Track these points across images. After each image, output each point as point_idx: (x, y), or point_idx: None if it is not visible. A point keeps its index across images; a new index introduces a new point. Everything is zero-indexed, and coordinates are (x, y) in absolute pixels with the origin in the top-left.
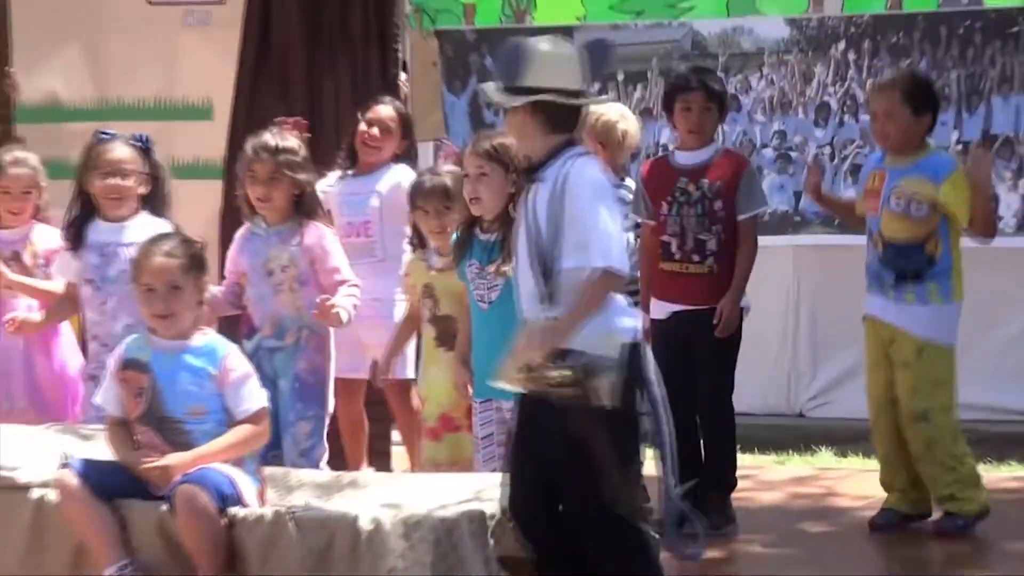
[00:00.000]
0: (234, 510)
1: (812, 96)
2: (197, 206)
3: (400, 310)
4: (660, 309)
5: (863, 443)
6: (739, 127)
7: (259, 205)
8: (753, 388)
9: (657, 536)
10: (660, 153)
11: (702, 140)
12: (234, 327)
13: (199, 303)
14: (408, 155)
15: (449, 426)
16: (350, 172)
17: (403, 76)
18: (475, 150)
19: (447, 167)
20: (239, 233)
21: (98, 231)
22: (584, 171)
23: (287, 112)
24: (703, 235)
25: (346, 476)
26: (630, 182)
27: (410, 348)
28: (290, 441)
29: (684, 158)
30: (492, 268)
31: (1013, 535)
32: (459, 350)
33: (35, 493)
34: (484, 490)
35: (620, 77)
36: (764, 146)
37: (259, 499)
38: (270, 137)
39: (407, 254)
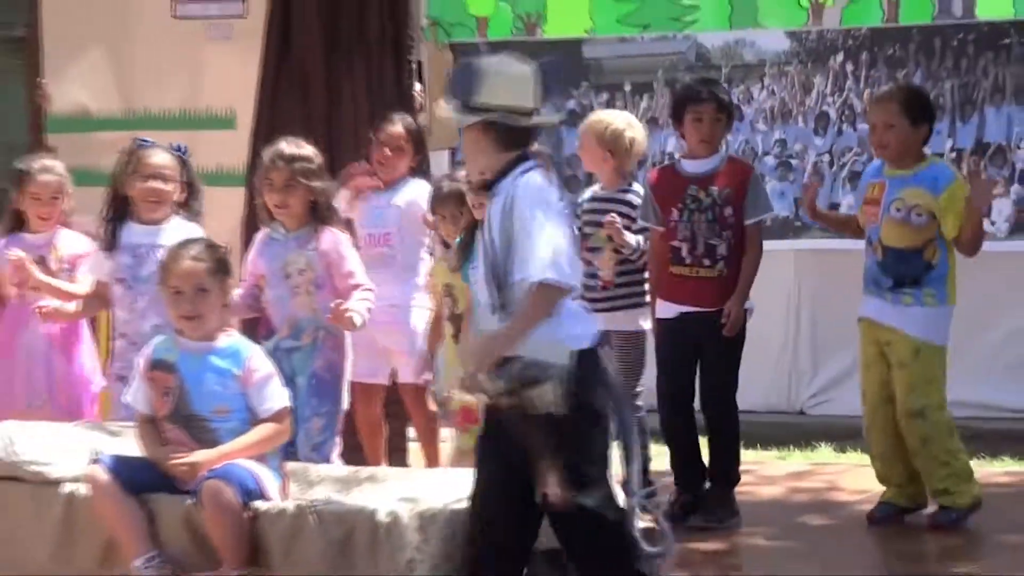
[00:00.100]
0: (257, 504)
1: (812, 106)
2: (220, 212)
3: (415, 316)
4: (668, 309)
5: (861, 439)
6: (741, 136)
7: (276, 211)
8: (756, 386)
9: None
10: (666, 161)
11: (711, 149)
12: (254, 328)
13: (224, 305)
14: (421, 169)
15: (470, 418)
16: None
17: (419, 87)
18: None
19: (463, 172)
20: (258, 238)
21: (132, 233)
22: (529, 186)
23: (306, 121)
24: (714, 240)
25: (364, 471)
26: (638, 187)
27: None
28: (303, 436)
29: (692, 166)
30: None
31: (1005, 528)
32: (461, 349)
33: (66, 488)
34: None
35: (627, 87)
36: (766, 154)
37: (282, 493)
38: (286, 146)
39: (424, 262)
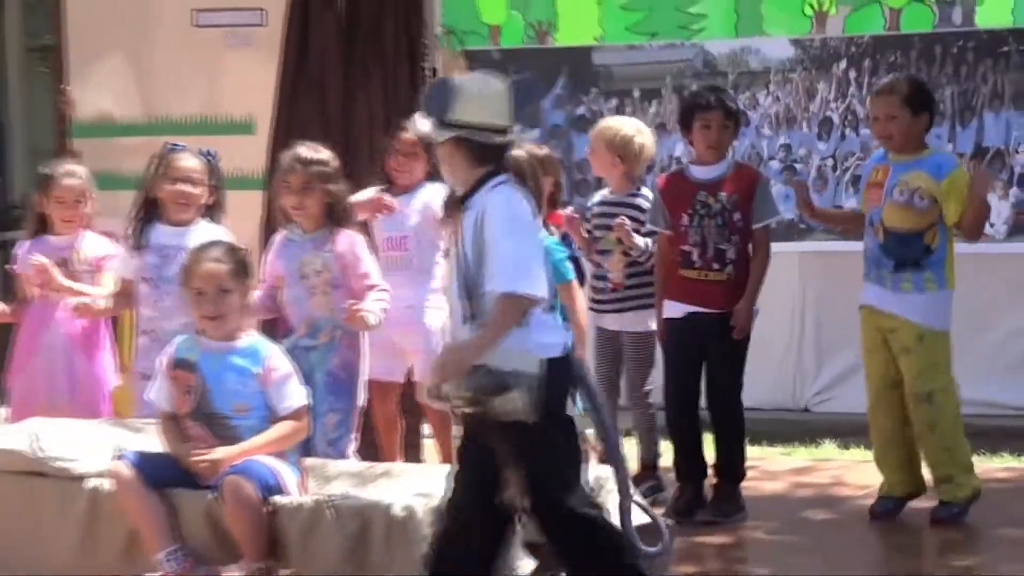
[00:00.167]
0: (276, 498)
1: (815, 111)
2: (239, 215)
3: (430, 316)
4: (676, 309)
5: (864, 436)
6: (747, 141)
7: (294, 213)
8: (761, 385)
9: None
10: (674, 166)
11: (719, 155)
12: (274, 328)
13: (244, 306)
14: (437, 173)
15: None
16: (386, 189)
17: None
18: None
19: None
20: (276, 239)
21: (160, 234)
22: (499, 200)
23: (323, 126)
24: (723, 244)
25: (379, 467)
26: (646, 192)
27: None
28: (320, 431)
29: (701, 172)
30: None
31: (1004, 522)
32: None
33: (90, 483)
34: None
35: (636, 94)
36: (771, 158)
37: (300, 488)
38: (303, 150)
39: (439, 265)
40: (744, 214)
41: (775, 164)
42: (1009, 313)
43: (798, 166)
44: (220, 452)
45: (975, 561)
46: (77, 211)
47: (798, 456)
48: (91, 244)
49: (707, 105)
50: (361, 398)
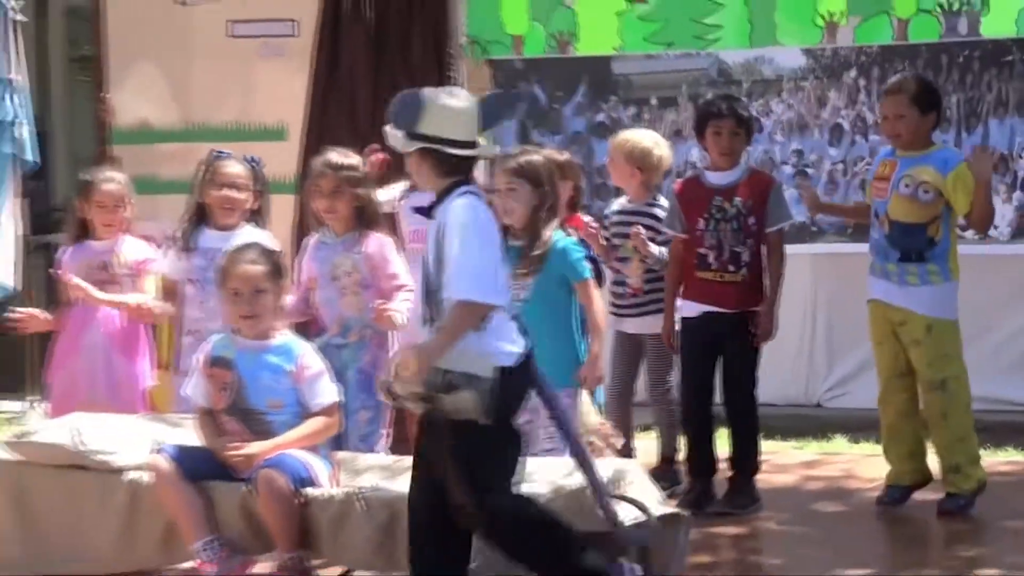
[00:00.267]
0: (309, 491)
1: (827, 118)
2: (272, 219)
3: None
4: (692, 309)
5: (874, 431)
6: (761, 146)
7: (325, 216)
8: (775, 381)
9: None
10: (690, 171)
11: (732, 161)
12: (306, 327)
13: (278, 306)
14: None
15: None
16: (414, 187)
17: None
18: (505, 167)
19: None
20: (309, 242)
21: (207, 238)
22: (460, 211)
23: (353, 133)
24: (738, 247)
25: (408, 460)
26: (663, 200)
27: None
28: (352, 427)
29: (716, 178)
30: (521, 270)
31: (1008, 515)
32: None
33: (130, 476)
34: (533, 472)
35: (654, 101)
36: (784, 163)
37: (331, 481)
38: (334, 155)
39: None
40: (758, 218)
41: (788, 169)
42: (1013, 312)
43: (810, 171)
44: (255, 447)
45: (980, 552)
46: (117, 216)
47: (810, 450)
48: (131, 248)
49: (719, 113)
50: None
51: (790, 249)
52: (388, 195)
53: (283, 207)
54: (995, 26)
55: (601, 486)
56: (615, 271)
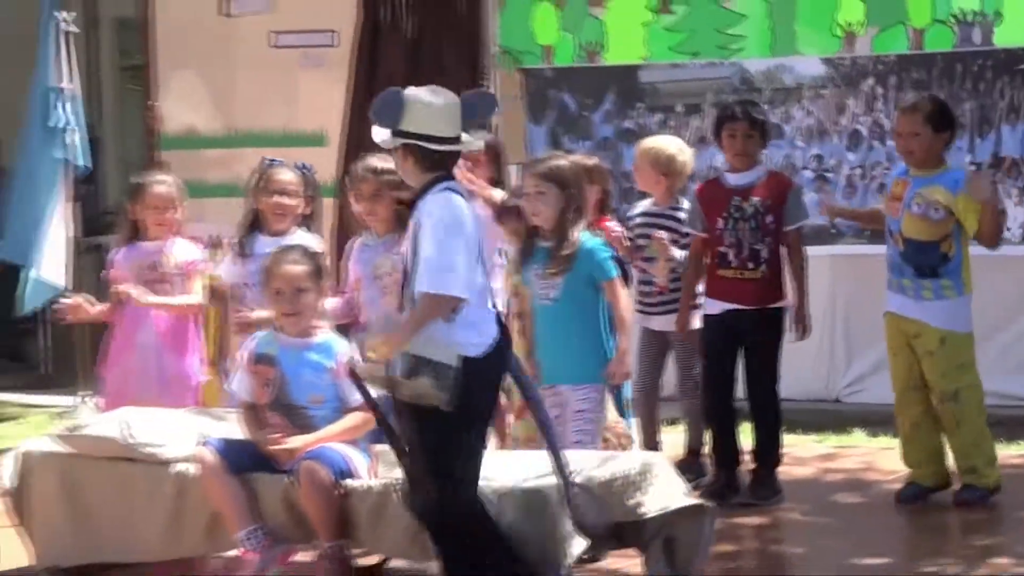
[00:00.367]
0: (348, 482)
1: (845, 125)
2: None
3: None
4: (714, 306)
5: (892, 425)
6: (782, 152)
7: (366, 219)
8: (796, 377)
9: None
10: (712, 175)
11: (747, 162)
12: (347, 327)
13: (320, 304)
14: (500, 180)
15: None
16: None
17: None
18: (533, 172)
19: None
20: (353, 246)
21: (260, 243)
22: (434, 206)
23: None
24: (757, 245)
25: None
26: (685, 204)
27: None
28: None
29: (735, 179)
30: (551, 270)
31: (1021, 505)
32: (524, 345)
33: (177, 468)
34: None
35: (679, 109)
36: (804, 168)
37: (370, 473)
38: (374, 160)
39: (499, 268)
40: (776, 217)
41: (808, 173)
42: (1023, 312)
43: (829, 175)
44: (297, 440)
45: (995, 541)
46: (167, 217)
47: (829, 443)
48: (181, 250)
49: (732, 116)
50: None
51: (811, 250)
52: None
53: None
54: (1008, 36)
55: (569, 479)
56: (641, 271)
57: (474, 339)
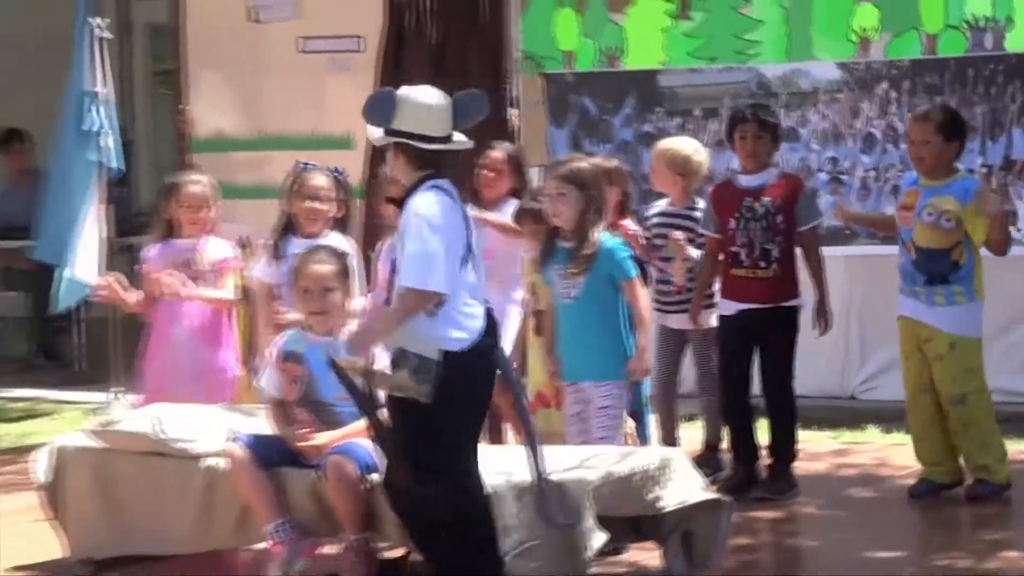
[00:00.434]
0: (374, 476)
1: (860, 128)
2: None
3: (512, 318)
4: (729, 306)
5: (905, 421)
6: (798, 154)
7: (394, 220)
8: (811, 374)
9: (729, 499)
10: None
11: (758, 164)
12: None
13: (346, 303)
14: (521, 190)
15: (542, 402)
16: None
17: (514, 112)
18: (555, 174)
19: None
20: (382, 248)
21: (294, 246)
22: (419, 204)
23: None
24: (768, 244)
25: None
26: (701, 203)
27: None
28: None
29: (747, 180)
30: (572, 269)
31: None
32: (545, 342)
33: (207, 462)
34: (588, 459)
35: (697, 113)
36: (819, 170)
37: None
38: None
39: (521, 275)
40: (786, 217)
41: (823, 176)
42: None
43: (844, 177)
44: (324, 436)
45: (1006, 536)
46: (201, 216)
47: (844, 439)
48: (214, 248)
49: (743, 118)
50: None
51: (827, 251)
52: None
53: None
54: (1019, 41)
55: (542, 476)
56: (659, 270)
57: (454, 333)
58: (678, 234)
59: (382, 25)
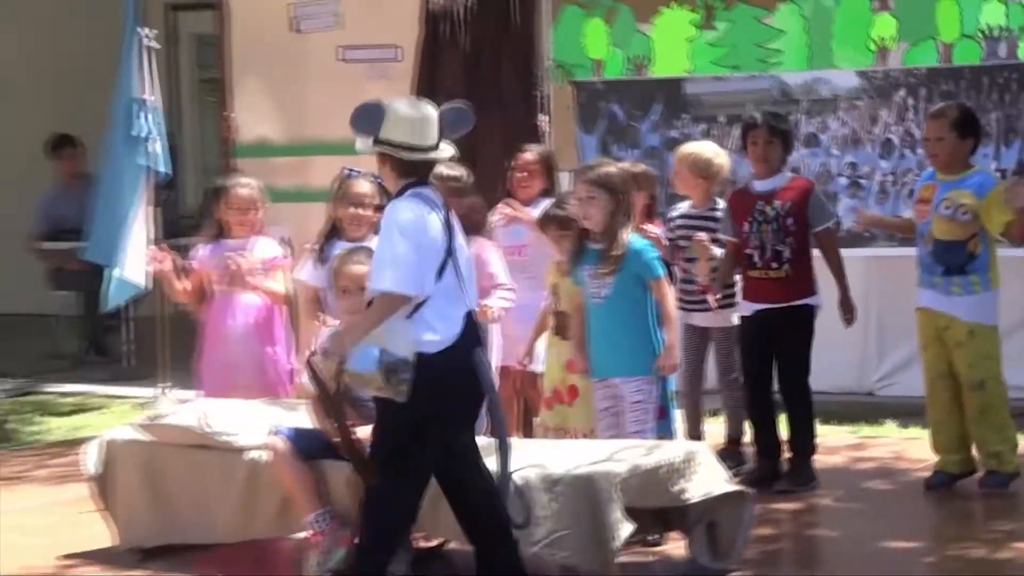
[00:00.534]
0: None
1: (878, 134)
2: None
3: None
4: (747, 307)
5: (921, 417)
6: (819, 159)
7: None
8: (831, 371)
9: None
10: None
11: (769, 169)
12: None
13: None
14: (553, 190)
15: (559, 399)
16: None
17: (544, 118)
18: (584, 178)
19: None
20: None
21: (338, 249)
22: (393, 210)
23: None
24: (779, 246)
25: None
26: (721, 204)
27: (542, 346)
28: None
29: (760, 185)
30: (602, 270)
31: None
32: (576, 340)
33: (250, 455)
34: (616, 452)
35: (722, 119)
36: (839, 175)
37: None
38: (441, 167)
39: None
40: (797, 219)
41: (843, 180)
42: None
43: (863, 182)
44: (361, 432)
45: (1018, 526)
46: (250, 218)
47: (862, 434)
48: (263, 247)
49: (753, 124)
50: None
51: (846, 253)
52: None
53: None
54: None
55: (510, 476)
56: (684, 270)
57: (430, 336)
58: (702, 235)
59: (418, 35)
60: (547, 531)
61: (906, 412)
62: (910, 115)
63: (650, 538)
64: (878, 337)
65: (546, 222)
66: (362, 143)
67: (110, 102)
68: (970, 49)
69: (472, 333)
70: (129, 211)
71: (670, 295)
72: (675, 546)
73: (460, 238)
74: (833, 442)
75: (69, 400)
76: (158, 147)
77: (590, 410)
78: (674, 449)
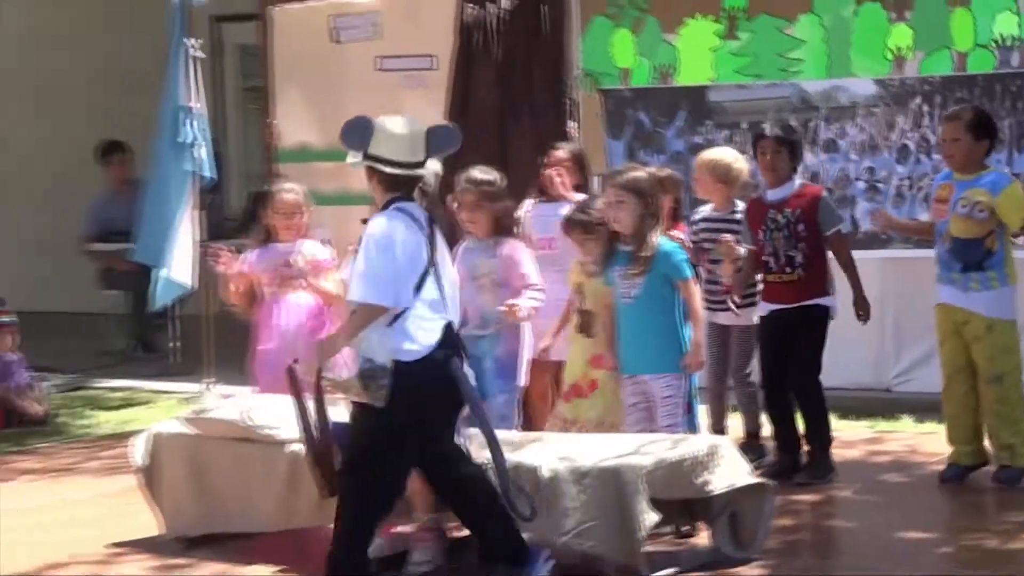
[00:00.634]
0: None
1: (895, 140)
2: None
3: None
4: (763, 309)
5: (936, 412)
6: (838, 164)
7: (467, 225)
8: (849, 368)
9: (773, 483)
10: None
11: (778, 178)
12: None
13: None
14: (585, 187)
15: (577, 393)
16: (542, 199)
17: (574, 124)
18: (613, 183)
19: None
20: (460, 249)
21: None
22: (374, 224)
23: (485, 152)
24: (791, 251)
25: (532, 435)
26: (740, 205)
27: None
28: (493, 409)
29: (772, 194)
30: (632, 271)
31: None
32: (607, 339)
33: (291, 448)
34: (643, 446)
35: (744, 126)
36: (857, 179)
37: None
38: (476, 172)
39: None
40: (807, 224)
41: (860, 184)
42: None
43: (880, 186)
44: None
45: None
46: (295, 221)
47: (879, 428)
48: (310, 249)
49: (762, 135)
50: (523, 379)
51: (863, 254)
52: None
53: None
54: None
55: (505, 472)
56: (708, 271)
57: (408, 345)
58: (728, 237)
59: (453, 45)
60: (575, 522)
61: (922, 408)
62: (926, 122)
63: (683, 529)
64: (895, 335)
65: (570, 225)
66: (352, 157)
67: (158, 110)
68: (984, 58)
69: (451, 344)
70: (176, 214)
71: (697, 295)
72: (699, 536)
73: (444, 252)
74: (851, 436)
75: (118, 395)
76: (203, 153)
77: (604, 403)
78: (698, 443)
